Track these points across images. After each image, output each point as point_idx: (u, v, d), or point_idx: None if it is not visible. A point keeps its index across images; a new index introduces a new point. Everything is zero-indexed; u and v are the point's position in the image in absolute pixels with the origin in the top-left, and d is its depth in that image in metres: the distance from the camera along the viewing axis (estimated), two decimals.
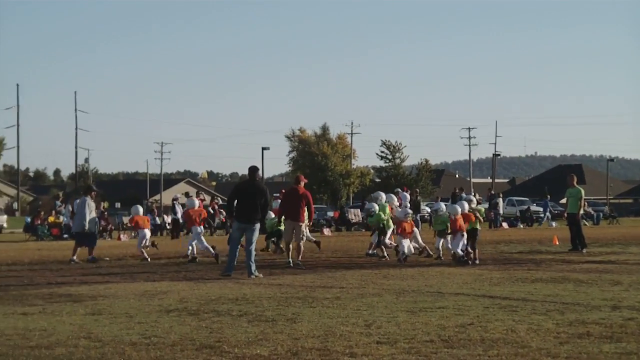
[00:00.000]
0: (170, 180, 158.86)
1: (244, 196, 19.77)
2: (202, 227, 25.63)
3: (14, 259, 25.50)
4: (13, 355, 9.30)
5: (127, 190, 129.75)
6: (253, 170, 20.35)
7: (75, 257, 24.71)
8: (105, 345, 9.88)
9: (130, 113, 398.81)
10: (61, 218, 50.33)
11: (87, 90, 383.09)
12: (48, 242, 42.63)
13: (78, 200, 26.04)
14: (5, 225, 69.53)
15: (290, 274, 20.01)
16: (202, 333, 10.73)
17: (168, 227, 49.27)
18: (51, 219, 50.86)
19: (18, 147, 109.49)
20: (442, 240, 23.76)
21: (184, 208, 29.17)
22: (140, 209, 28.04)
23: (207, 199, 53.48)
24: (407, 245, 23.35)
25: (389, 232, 25.02)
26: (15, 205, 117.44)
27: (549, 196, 66.70)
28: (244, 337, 10.31)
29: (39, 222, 50.18)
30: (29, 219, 53.24)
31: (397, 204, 27.07)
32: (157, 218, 53.98)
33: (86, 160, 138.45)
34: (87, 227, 25.33)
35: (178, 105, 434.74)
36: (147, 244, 26.71)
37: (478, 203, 27.59)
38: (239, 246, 20.16)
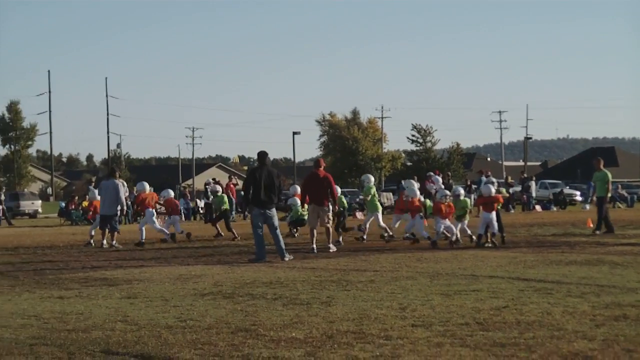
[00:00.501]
0: (202, 165, 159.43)
1: (259, 182, 19.77)
2: (154, 209, 26.62)
3: (50, 244, 25.69)
4: (51, 338, 9.37)
5: (159, 175, 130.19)
6: (263, 155, 20.38)
7: (105, 241, 24.82)
8: (142, 328, 9.94)
9: (161, 98, 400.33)
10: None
11: (118, 76, 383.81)
12: (82, 227, 42.87)
13: (104, 184, 25.91)
14: (40, 210, 69.99)
15: (324, 257, 20.03)
16: (237, 316, 10.77)
17: (201, 211, 49.37)
18: (85, 203, 51.11)
19: (50, 132, 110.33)
20: (459, 224, 23.65)
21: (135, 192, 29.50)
22: (147, 186, 28.17)
23: (240, 183, 53.55)
24: (447, 226, 23.24)
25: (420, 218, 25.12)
26: (49, 190, 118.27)
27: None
28: (279, 320, 10.34)
29: (73, 206, 50.52)
30: (63, 204, 53.64)
31: (417, 187, 27.28)
32: (189, 202, 54.17)
33: (118, 145, 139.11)
34: (106, 211, 25.19)
35: (210, 90, 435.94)
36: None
37: (510, 186, 27.72)
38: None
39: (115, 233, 25.35)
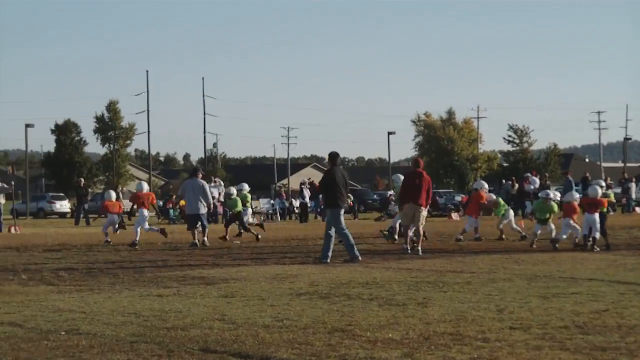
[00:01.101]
0: (297, 164, 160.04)
1: (335, 183, 19.76)
2: (148, 210, 26.63)
3: (148, 242, 26.04)
4: (150, 335, 9.51)
5: (255, 175, 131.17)
6: (336, 155, 20.39)
7: (196, 240, 25.06)
8: (239, 327, 10.02)
9: (258, 98, 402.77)
10: None
11: (215, 76, 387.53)
12: (180, 225, 43.35)
13: (188, 183, 26.14)
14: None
15: (419, 258, 19.95)
16: (334, 316, 10.79)
17: (296, 210, 49.66)
18: (182, 202, 51.75)
19: (149, 132, 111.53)
20: (540, 227, 23.31)
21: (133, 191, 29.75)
22: (113, 195, 28.89)
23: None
24: (572, 226, 23.01)
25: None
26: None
27: None
28: (375, 321, 10.33)
29: (171, 205, 51.16)
30: (161, 203, 54.38)
31: (487, 188, 27.35)
32: (285, 202, 54.47)
33: (214, 145, 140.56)
34: (192, 211, 25.47)
35: (305, 89, 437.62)
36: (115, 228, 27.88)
37: (609, 187, 27.30)
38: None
39: (207, 231, 25.60)
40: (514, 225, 26.43)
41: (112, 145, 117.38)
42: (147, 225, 26.07)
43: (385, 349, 8.67)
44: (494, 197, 27.97)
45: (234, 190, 28.90)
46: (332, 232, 19.60)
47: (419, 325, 9.98)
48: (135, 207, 26.39)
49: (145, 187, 27.73)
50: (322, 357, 8.32)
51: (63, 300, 12.70)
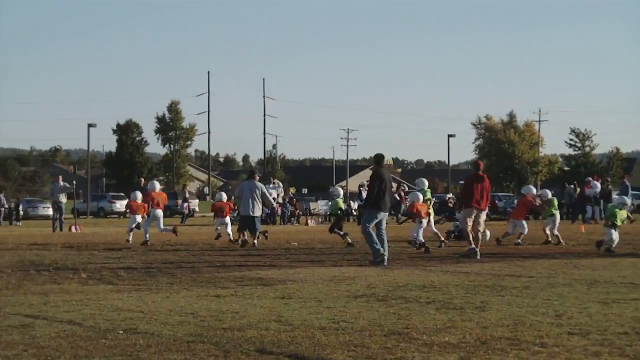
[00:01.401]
0: (356, 166, 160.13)
1: (383, 185, 19.79)
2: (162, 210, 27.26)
3: (207, 243, 26.20)
4: (207, 336, 9.55)
5: (314, 177, 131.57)
6: (382, 157, 20.56)
7: (246, 237, 25.21)
8: (295, 329, 10.03)
9: (317, 100, 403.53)
10: None
11: (275, 77, 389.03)
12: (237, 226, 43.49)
13: (244, 184, 26.25)
14: (197, 209, 71.56)
15: (477, 261, 19.85)
16: (390, 319, 10.76)
17: (354, 213, 49.67)
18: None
19: (209, 132, 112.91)
20: (614, 232, 23.04)
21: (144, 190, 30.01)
22: (139, 195, 28.93)
23: (394, 185, 53.51)
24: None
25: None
26: (206, 189, 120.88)
27: None
28: (432, 325, 10.28)
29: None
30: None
31: (535, 194, 27.39)
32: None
33: (274, 146, 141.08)
34: (248, 212, 25.57)
35: (365, 91, 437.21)
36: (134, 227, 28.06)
37: None
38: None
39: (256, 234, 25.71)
40: (555, 231, 26.51)
41: (172, 146, 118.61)
42: (161, 225, 26.45)
43: (442, 352, 8.62)
44: (549, 194, 27.80)
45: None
46: (370, 229, 19.68)
47: (476, 329, 9.91)
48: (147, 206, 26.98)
49: (158, 186, 28.45)
50: (379, 359, 8.29)
51: (122, 300, 12.81)
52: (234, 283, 15.16)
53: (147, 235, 26.23)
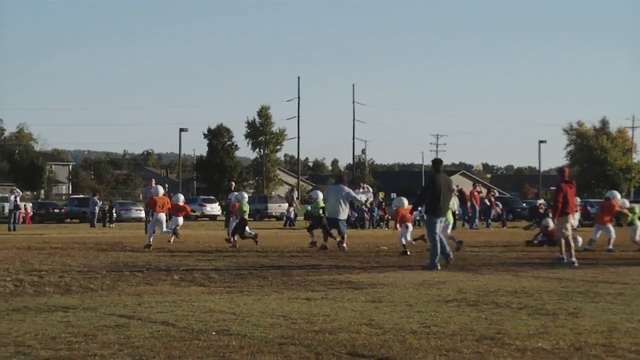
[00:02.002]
0: (445, 172, 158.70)
1: (438, 190, 19.89)
2: (164, 214, 27.56)
3: (297, 246, 26.31)
4: (298, 338, 9.59)
5: (402, 181, 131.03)
6: (439, 162, 20.80)
7: (327, 243, 25.26)
8: (386, 332, 10.02)
9: (407, 105, 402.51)
10: None
11: (364, 82, 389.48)
12: None
13: (331, 188, 26.30)
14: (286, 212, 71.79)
15: (569, 268, 19.59)
16: (482, 324, 10.68)
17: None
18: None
19: (298, 137, 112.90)
20: None
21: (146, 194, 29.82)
22: (160, 190, 28.81)
23: (483, 191, 53.09)
24: None
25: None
26: (295, 194, 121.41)
27: None
28: (525, 330, 10.18)
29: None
30: (309, 208, 54.90)
31: (620, 198, 27.50)
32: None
33: (363, 151, 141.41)
34: (334, 215, 25.62)
35: (455, 97, 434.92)
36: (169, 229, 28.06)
37: None
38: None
39: (345, 236, 25.79)
40: (637, 237, 26.38)
41: (262, 150, 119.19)
42: (164, 228, 26.81)
43: (535, 358, 8.54)
44: (627, 202, 27.65)
45: (245, 195, 29.37)
46: (438, 237, 19.78)
47: (570, 336, 9.79)
48: (150, 210, 27.40)
49: (161, 191, 28.67)
50: None
51: (214, 301, 12.94)
52: (324, 286, 15.20)
53: (151, 239, 26.47)
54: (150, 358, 8.46)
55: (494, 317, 11.26)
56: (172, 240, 27.43)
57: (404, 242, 24.06)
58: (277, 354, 8.70)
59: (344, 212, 25.98)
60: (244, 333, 9.91)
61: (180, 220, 28.93)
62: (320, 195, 28.29)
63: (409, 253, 23.42)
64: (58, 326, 10.38)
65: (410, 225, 24.69)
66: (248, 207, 28.12)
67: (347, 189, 26.28)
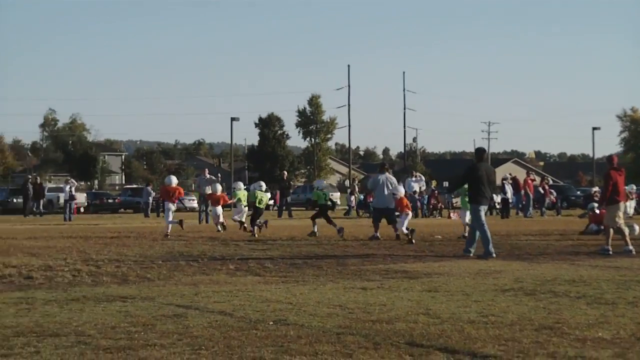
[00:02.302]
0: (498, 159, 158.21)
1: (482, 178, 19.95)
2: (175, 204, 27.94)
3: (349, 236, 26.28)
4: (356, 328, 9.59)
5: (454, 170, 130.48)
6: (483, 151, 20.70)
7: (377, 234, 25.18)
8: (444, 322, 9.98)
9: (457, 92, 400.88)
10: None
11: (415, 70, 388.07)
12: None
13: (380, 177, 26.21)
14: (338, 202, 71.82)
15: (627, 256, 19.40)
16: (540, 313, 10.61)
17: (497, 206, 49.07)
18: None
19: (349, 126, 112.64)
20: None
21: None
22: (173, 180, 28.89)
23: (537, 179, 52.68)
24: None
25: None
26: (346, 182, 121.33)
27: None
28: (584, 319, 10.10)
29: (371, 198, 51.51)
30: (362, 197, 54.92)
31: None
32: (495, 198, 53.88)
33: (414, 139, 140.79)
34: (383, 205, 25.62)
35: (506, 84, 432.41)
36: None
37: None
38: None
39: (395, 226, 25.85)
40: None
41: (313, 139, 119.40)
42: (170, 218, 27.47)
43: (596, 348, 8.45)
44: None
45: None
46: (485, 224, 19.82)
47: (631, 325, 9.69)
48: (161, 199, 27.72)
49: (174, 181, 28.77)
50: (531, 354, 8.18)
51: (270, 291, 12.98)
52: (380, 276, 15.19)
53: (169, 229, 27.15)
54: (209, 348, 8.50)
55: (552, 307, 11.17)
56: (169, 232, 27.28)
57: (402, 228, 24.64)
58: (335, 343, 8.70)
59: (393, 202, 25.99)
60: (301, 323, 9.93)
61: (219, 210, 29.30)
62: (324, 183, 28.40)
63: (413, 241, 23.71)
64: (117, 316, 10.48)
65: (410, 213, 25.55)
66: (262, 196, 28.87)
67: (393, 178, 26.43)
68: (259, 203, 28.27)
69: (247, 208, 30.11)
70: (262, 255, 19.70)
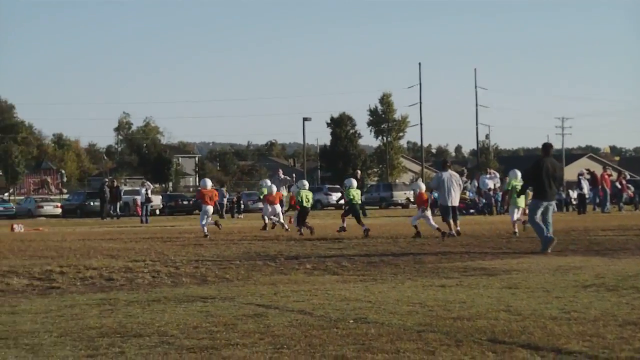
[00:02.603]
0: (572, 155, 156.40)
1: (547, 174, 19.83)
2: (212, 207, 28.46)
3: (426, 234, 26.17)
4: (437, 325, 9.55)
5: (527, 166, 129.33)
6: (549, 146, 20.58)
7: (452, 231, 25.08)
8: (526, 318, 9.89)
9: (530, 88, 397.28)
10: (467, 194, 50.98)
11: (486, 67, 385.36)
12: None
13: (444, 175, 26.11)
14: (412, 199, 71.61)
15: None
16: (623, 309, 10.46)
17: (573, 202, 48.58)
18: None
19: (421, 124, 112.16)
20: None
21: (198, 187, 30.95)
22: (208, 183, 29.69)
23: (614, 174, 51.92)
24: None
25: None
26: (419, 181, 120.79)
27: None
28: None
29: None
30: (435, 194, 54.62)
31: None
32: (562, 194, 53.36)
33: (487, 136, 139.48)
34: (448, 202, 25.50)
35: (579, 79, 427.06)
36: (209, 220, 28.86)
37: None
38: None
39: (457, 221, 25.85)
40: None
41: (385, 138, 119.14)
42: (204, 221, 28.05)
43: None
44: None
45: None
46: (537, 219, 19.73)
47: None
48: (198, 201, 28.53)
49: (209, 184, 29.59)
50: (615, 349, 8.07)
51: (348, 290, 12.99)
52: (458, 273, 15.11)
53: (206, 229, 27.84)
54: (291, 346, 8.52)
55: (636, 302, 11.02)
56: (207, 233, 27.84)
57: (415, 222, 25.32)
58: (416, 341, 8.67)
59: (458, 199, 26.07)
60: (381, 321, 9.92)
61: (278, 207, 30.78)
62: (354, 182, 28.48)
63: (421, 236, 24.34)
64: (198, 316, 10.58)
65: (427, 209, 25.60)
66: (307, 194, 29.37)
67: (457, 174, 26.61)
68: (306, 202, 28.66)
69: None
70: (338, 253, 19.74)
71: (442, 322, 9.77)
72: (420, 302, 11.38)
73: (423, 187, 26.54)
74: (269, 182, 31.96)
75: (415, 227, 25.20)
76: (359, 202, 28.52)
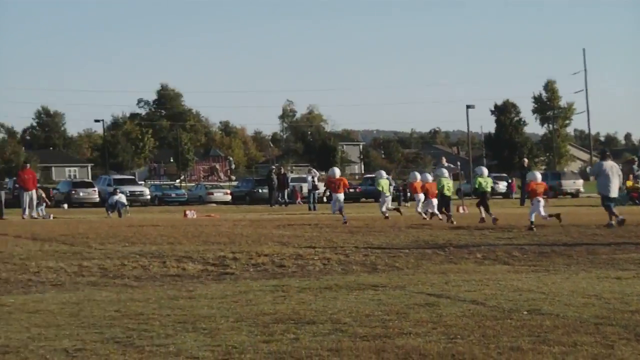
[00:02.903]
0: None
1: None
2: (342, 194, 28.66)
3: (599, 224, 25.54)
4: (615, 318, 9.33)
5: None
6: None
7: (612, 222, 24.31)
8: None
9: None
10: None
11: None
12: (628, 207, 42.06)
13: (605, 164, 25.33)
14: (581, 189, 70.07)
15: None
16: None
17: None
18: (629, 183, 50.19)
19: (588, 111, 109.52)
20: None
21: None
22: (337, 172, 29.53)
23: None
24: None
25: None
26: (588, 169, 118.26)
27: None
28: None
29: None
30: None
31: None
32: None
33: None
34: (609, 193, 24.69)
35: None
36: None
37: None
38: None
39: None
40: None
41: (551, 125, 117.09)
42: (336, 207, 28.28)
43: None
44: None
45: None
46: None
47: None
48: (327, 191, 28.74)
49: (337, 172, 29.52)
50: None
51: (520, 280, 12.84)
52: (634, 265, 14.74)
53: (345, 216, 27.58)
54: (464, 337, 8.48)
55: None
56: (346, 220, 27.61)
57: (532, 218, 23.68)
58: (594, 334, 8.49)
59: (617, 191, 25.43)
60: (556, 312, 9.76)
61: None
62: (485, 171, 27.72)
63: (534, 229, 22.78)
64: (370, 304, 10.64)
65: (541, 199, 24.34)
66: (447, 182, 28.90)
67: (616, 165, 26.14)
68: (447, 190, 28.08)
69: (389, 198, 31.25)
70: (508, 243, 19.51)
71: (619, 315, 9.54)
72: (595, 294, 11.14)
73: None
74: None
75: (548, 217, 24.28)
76: (487, 190, 28.19)
